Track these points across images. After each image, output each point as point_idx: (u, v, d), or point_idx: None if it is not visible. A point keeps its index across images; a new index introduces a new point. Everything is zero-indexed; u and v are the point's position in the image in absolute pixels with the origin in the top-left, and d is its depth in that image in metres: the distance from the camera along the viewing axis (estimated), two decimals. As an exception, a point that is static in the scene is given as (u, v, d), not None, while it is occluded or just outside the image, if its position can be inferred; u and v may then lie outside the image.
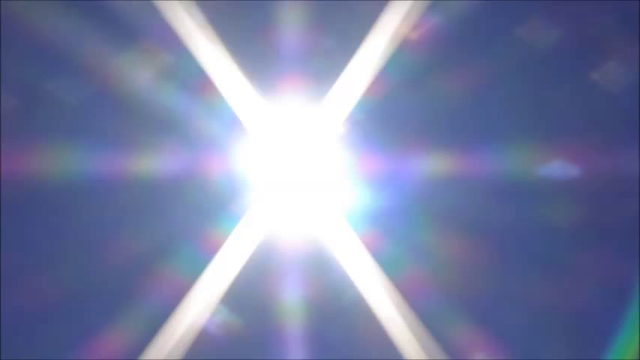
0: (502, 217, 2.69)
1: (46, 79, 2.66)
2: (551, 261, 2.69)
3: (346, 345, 2.64)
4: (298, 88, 2.68)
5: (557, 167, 2.71)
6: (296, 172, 2.73)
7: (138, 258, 2.61)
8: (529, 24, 2.73)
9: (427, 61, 2.69)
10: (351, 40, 2.65)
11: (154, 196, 2.65)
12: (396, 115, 2.71)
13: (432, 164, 2.68)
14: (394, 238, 2.67)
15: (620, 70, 2.73)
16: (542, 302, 2.67)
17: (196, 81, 2.65)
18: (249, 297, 2.64)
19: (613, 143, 2.70)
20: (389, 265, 2.64)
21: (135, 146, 2.65)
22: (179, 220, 2.66)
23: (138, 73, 2.67)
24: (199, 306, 2.61)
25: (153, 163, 2.65)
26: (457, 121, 2.72)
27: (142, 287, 2.60)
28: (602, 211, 2.71)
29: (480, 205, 2.69)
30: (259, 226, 2.67)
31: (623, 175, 2.69)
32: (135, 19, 2.65)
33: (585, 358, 2.66)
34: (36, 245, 2.64)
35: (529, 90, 2.73)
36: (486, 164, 2.68)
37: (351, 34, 2.66)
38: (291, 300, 2.65)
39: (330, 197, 2.71)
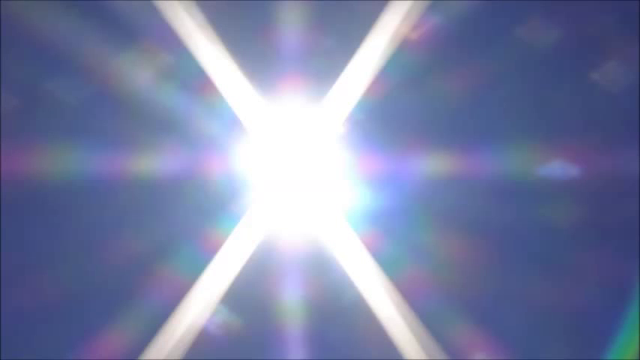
0: (502, 217, 2.69)
1: (46, 79, 2.66)
2: (551, 261, 2.69)
3: (346, 345, 2.64)
4: (298, 88, 2.68)
5: (557, 167, 2.71)
6: (296, 173, 2.73)
7: (138, 258, 2.61)
8: (529, 24, 2.73)
9: (427, 61, 2.69)
10: (351, 40, 2.65)
11: (154, 196, 2.65)
12: (396, 115, 2.71)
13: (432, 164, 2.68)
14: (394, 238, 2.67)
15: (620, 70, 2.73)
16: (542, 302, 2.67)
17: (196, 81, 2.65)
18: (249, 297, 2.64)
19: (613, 143, 2.70)
20: (389, 265, 2.64)
21: (135, 146, 2.65)
22: (179, 220, 2.66)
23: (138, 73, 2.67)
24: (199, 306, 2.61)
25: (153, 163, 2.65)
26: (457, 121, 2.72)
27: (142, 287, 2.60)
28: (602, 211, 2.71)
29: (480, 205, 2.69)
30: (259, 226, 2.67)
31: (623, 175, 2.69)
32: (135, 19, 2.65)
33: (585, 358, 2.66)
34: (36, 245, 2.64)
35: (529, 90, 2.73)
36: (486, 164, 2.68)
37: (351, 34, 2.66)
38: (291, 300, 2.65)
39: (330, 197, 2.71)
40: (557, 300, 2.67)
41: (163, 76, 2.67)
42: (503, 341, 2.63)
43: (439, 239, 2.68)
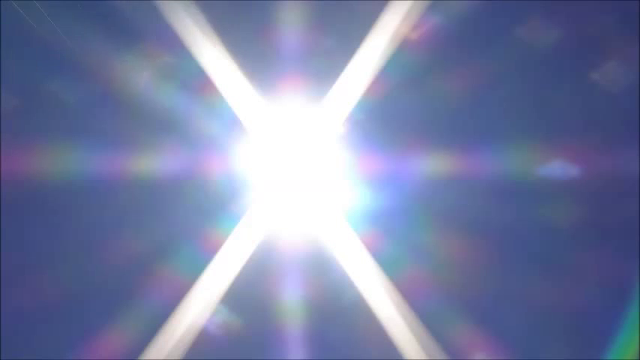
0: (502, 217, 2.69)
1: (46, 79, 2.67)
2: (551, 261, 2.69)
3: (346, 345, 2.64)
4: (298, 88, 2.68)
5: (557, 167, 2.71)
6: (296, 172, 2.73)
7: (138, 258, 2.61)
8: (529, 24, 2.73)
9: (427, 61, 2.69)
10: (351, 40, 2.65)
11: (154, 196, 2.65)
12: (396, 115, 2.71)
13: (432, 164, 2.68)
14: (394, 238, 2.67)
15: (620, 70, 2.73)
16: (542, 302, 2.66)
17: (196, 81, 2.65)
18: (249, 297, 2.64)
19: (613, 143, 2.70)
20: (389, 265, 2.64)
21: (135, 146, 2.65)
22: (179, 220, 2.66)
23: (138, 74, 2.67)
24: (199, 306, 2.61)
25: (153, 163, 2.65)
26: (457, 121, 2.72)
27: (142, 287, 2.60)
28: (602, 211, 2.71)
29: (480, 205, 2.69)
30: (259, 226, 2.67)
31: (623, 175, 2.68)
32: (135, 19, 2.65)
33: (585, 358, 2.66)
34: (36, 245, 2.64)
35: (529, 90, 2.73)
36: (486, 164, 2.68)
37: (351, 34, 2.66)
38: (291, 300, 2.65)
39: (330, 197, 2.71)
40: (557, 300, 2.66)
41: (164, 76, 2.68)
42: (503, 341, 2.63)
43: (439, 239, 2.68)
